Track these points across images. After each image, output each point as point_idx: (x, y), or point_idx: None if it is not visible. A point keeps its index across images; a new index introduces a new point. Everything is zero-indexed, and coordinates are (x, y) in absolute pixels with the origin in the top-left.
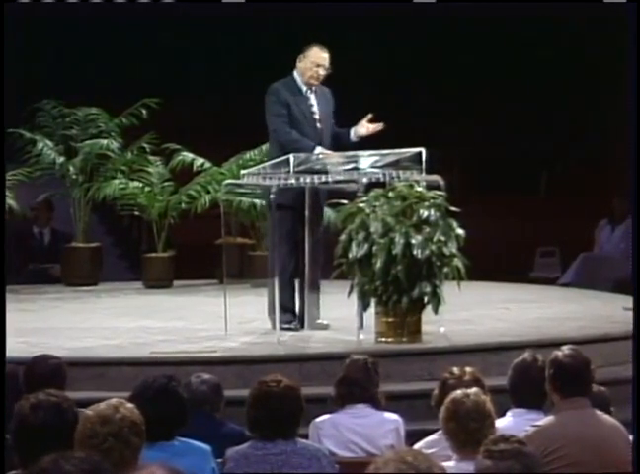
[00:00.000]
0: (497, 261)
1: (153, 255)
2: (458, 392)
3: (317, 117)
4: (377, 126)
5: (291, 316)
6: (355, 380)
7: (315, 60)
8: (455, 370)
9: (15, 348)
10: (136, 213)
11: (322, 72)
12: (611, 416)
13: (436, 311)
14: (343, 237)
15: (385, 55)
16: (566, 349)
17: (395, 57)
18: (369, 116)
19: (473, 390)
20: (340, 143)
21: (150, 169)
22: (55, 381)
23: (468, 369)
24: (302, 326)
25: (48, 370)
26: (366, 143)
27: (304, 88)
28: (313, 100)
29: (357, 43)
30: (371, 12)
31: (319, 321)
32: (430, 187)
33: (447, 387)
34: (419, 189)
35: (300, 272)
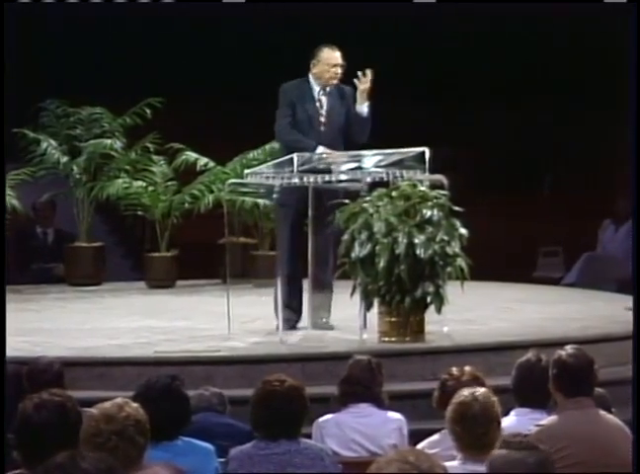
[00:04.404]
0: (500, 261)
1: (156, 254)
2: (466, 393)
3: (323, 119)
4: (365, 84)
5: (290, 314)
6: (358, 380)
7: (329, 61)
8: (454, 370)
9: (18, 347)
10: (140, 213)
11: (339, 71)
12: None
13: (439, 311)
14: (346, 237)
15: (386, 54)
16: (569, 348)
17: (397, 56)
18: (359, 73)
19: (481, 391)
20: (355, 141)
21: (154, 168)
22: (54, 383)
23: (467, 369)
24: (297, 322)
25: (45, 373)
26: (371, 143)
27: (317, 89)
28: (325, 101)
29: (357, 42)
30: (373, 11)
31: (324, 320)
32: (433, 186)
33: (447, 388)
34: (422, 188)
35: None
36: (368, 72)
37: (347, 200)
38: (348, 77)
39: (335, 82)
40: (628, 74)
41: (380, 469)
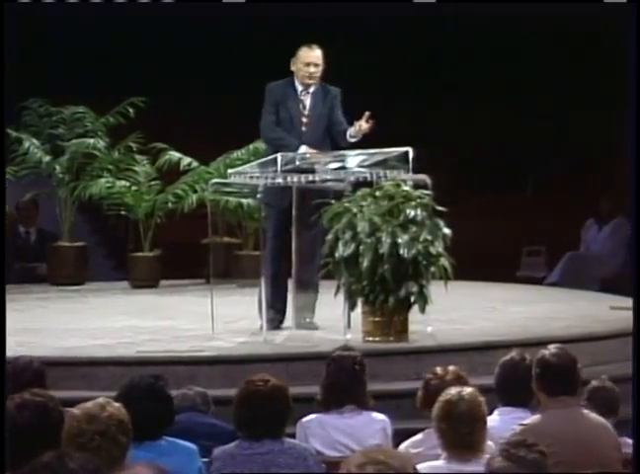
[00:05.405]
0: (483, 260)
1: (139, 254)
2: (453, 391)
3: (305, 119)
4: (368, 125)
5: (274, 314)
6: (341, 386)
7: (304, 60)
8: (438, 370)
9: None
10: (123, 213)
11: (313, 70)
12: (617, 414)
13: (422, 311)
14: (330, 237)
15: (373, 55)
16: (553, 348)
17: (383, 56)
18: (366, 114)
19: (468, 391)
20: (339, 143)
21: (137, 168)
22: (35, 383)
23: (451, 368)
24: (281, 322)
25: (25, 372)
26: (356, 142)
27: (300, 89)
28: (307, 101)
29: (346, 43)
30: (360, 12)
31: (308, 320)
32: (417, 186)
33: (431, 388)
34: (406, 188)
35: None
36: (371, 120)
37: (331, 200)
38: (348, 76)
39: (309, 81)
40: (628, 74)
41: (350, 471)
